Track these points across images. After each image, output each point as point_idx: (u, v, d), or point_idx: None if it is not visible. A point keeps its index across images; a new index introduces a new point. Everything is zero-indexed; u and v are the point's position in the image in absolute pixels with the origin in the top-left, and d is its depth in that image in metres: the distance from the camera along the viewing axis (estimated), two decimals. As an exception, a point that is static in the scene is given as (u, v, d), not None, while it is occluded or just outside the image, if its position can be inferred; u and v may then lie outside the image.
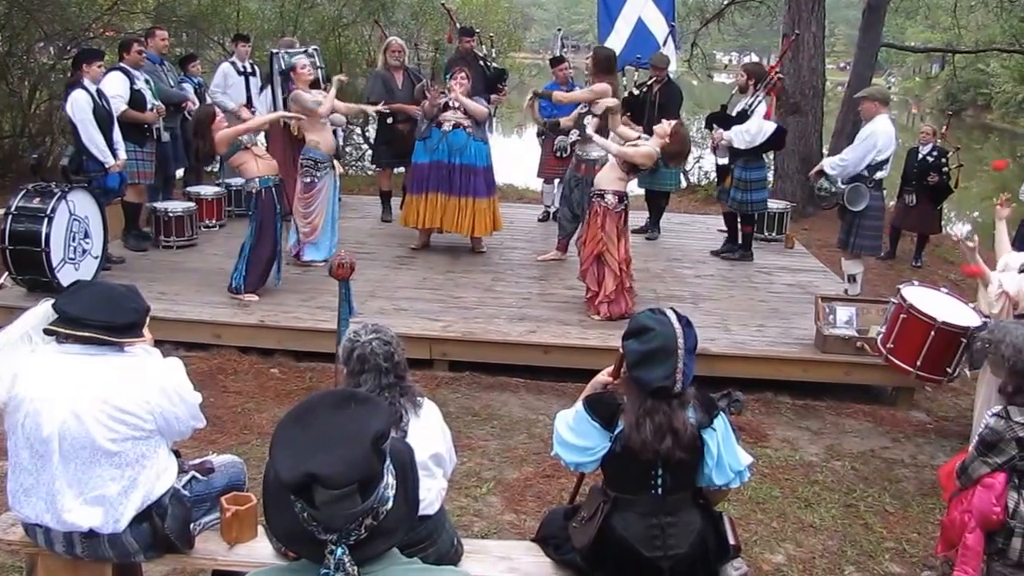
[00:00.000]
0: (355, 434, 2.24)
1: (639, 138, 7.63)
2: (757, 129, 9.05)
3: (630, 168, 7.44)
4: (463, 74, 9.02)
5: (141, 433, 3.26)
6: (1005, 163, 6.02)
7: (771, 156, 12.38)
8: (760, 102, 9.13)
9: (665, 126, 7.42)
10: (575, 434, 3.30)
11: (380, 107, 9.37)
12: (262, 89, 10.60)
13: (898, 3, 17.90)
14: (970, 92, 41.57)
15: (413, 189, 9.16)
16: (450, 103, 8.84)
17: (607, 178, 7.49)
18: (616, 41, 11.20)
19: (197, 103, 10.13)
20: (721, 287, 8.75)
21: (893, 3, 16.48)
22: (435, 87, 9.17)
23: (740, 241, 9.83)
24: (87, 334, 3.25)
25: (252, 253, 7.60)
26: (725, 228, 10.05)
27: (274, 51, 9.95)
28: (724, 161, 9.50)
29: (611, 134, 7.94)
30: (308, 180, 8.40)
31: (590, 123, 8.34)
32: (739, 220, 9.78)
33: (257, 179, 7.51)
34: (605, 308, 7.49)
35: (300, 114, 8.26)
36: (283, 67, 9.47)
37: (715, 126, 9.46)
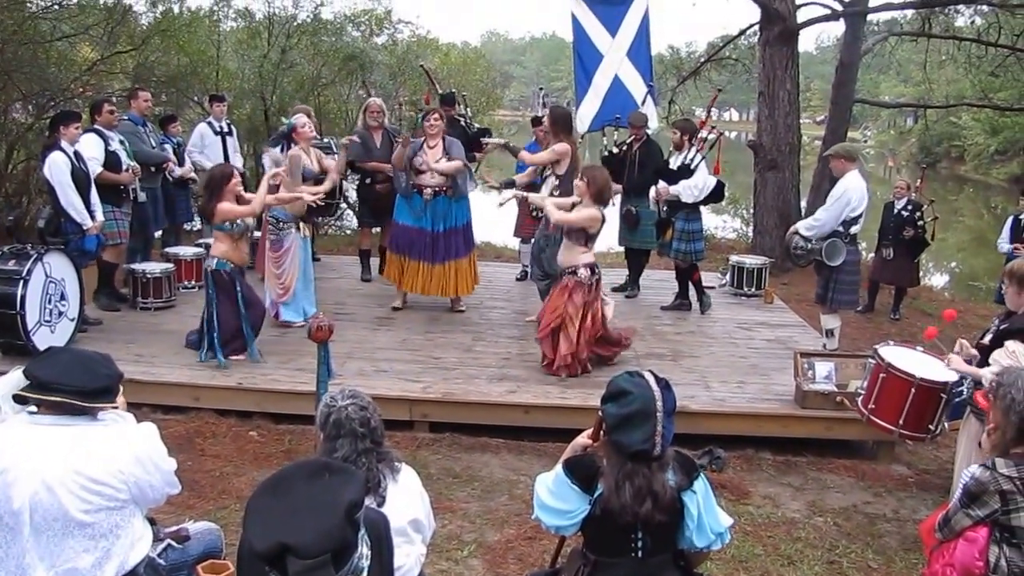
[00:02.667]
0: (329, 504, 2.23)
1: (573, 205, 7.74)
2: (703, 184, 9.33)
3: (586, 238, 7.51)
4: (436, 115, 9.07)
5: (115, 503, 3.22)
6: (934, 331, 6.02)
7: (752, 210, 12.44)
8: (701, 158, 9.39)
9: (579, 183, 7.55)
10: (555, 497, 3.28)
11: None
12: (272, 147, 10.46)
13: (870, 59, 18.19)
14: (943, 144, 42.28)
15: (394, 247, 9.20)
16: (423, 167, 8.87)
17: (570, 256, 7.56)
18: (593, 99, 11.31)
19: (177, 163, 10.19)
20: (701, 344, 8.77)
21: (866, 59, 16.75)
22: (404, 135, 9.18)
23: (698, 290, 10.01)
24: (58, 399, 3.21)
25: (219, 323, 7.52)
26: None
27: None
28: (662, 214, 9.71)
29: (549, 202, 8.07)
30: (273, 238, 8.43)
31: (548, 185, 8.57)
32: (684, 272, 9.96)
33: (215, 259, 7.51)
34: (564, 371, 7.53)
35: (288, 172, 8.28)
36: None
37: (659, 180, 9.60)
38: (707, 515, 3.24)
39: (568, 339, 7.45)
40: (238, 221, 7.49)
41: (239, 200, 7.52)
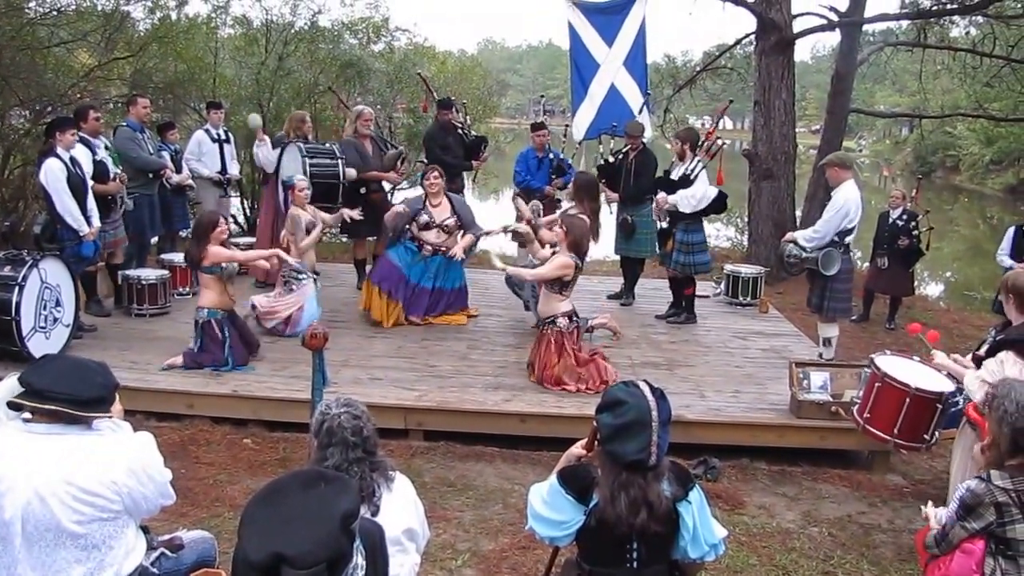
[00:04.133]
0: (323, 514, 2.24)
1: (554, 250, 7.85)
2: (702, 194, 9.27)
3: (560, 286, 7.54)
4: (435, 172, 9.13)
5: (108, 514, 3.20)
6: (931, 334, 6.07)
7: (747, 220, 12.43)
8: (701, 167, 9.33)
9: (558, 230, 7.63)
10: (549, 508, 3.27)
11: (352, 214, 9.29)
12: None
13: (866, 69, 18.25)
14: (938, 154, 42.40)
15: (375, 280, 9.23)
16: (431, 224, 8.98)
17: (548, 305, 7.63)
18: (589, 108, 11.34)
19: (174, 170, 10.18)
20: (696, 353, 8.77)
21: (861, 69, 16.80)
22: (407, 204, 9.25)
23: (683, 304, 9.97)
24: (52, 407, 3.20)
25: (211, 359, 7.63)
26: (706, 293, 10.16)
27: (284, 140, 10.06)
28: (664, 225, 9.70)
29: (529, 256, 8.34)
30: (287, 281, 8.62)
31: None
32: (680, 283, 9.93)
33: (206, 310, 7.57)
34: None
35: (292, 233, 8.45)
36: (306, 172, 9.52)
37: (659, 190, 9.60)
38: (702, 526, 3.24)
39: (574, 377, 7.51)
40: (225, 264, 7.57)
41: (224, 246, 7.65)
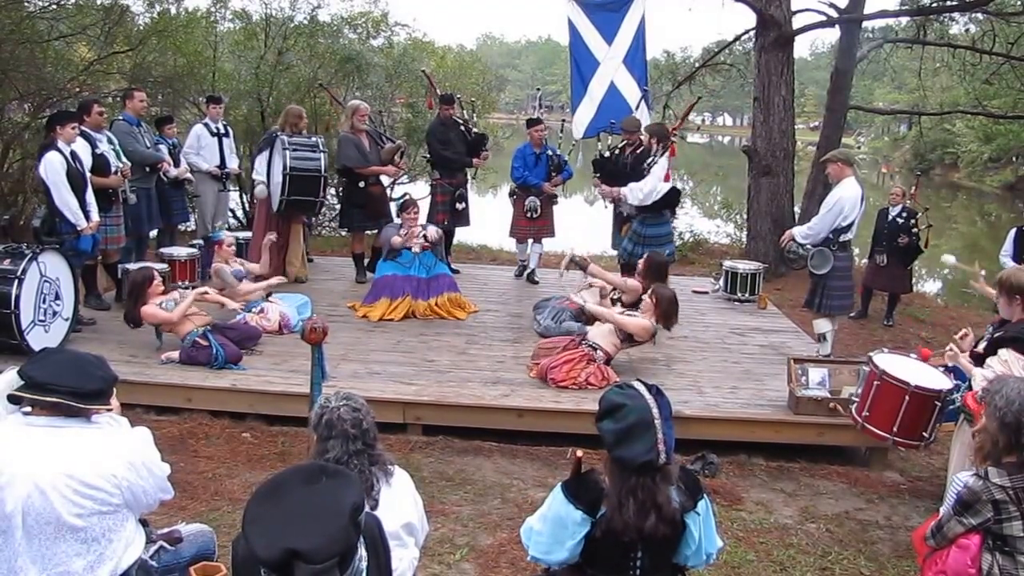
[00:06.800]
0: (332, 508, 2.25)
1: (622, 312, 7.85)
2: (651, 188, 9.33)
3: (626, 337, 7.58)
4: (415, 208, 9.56)
5: (108, 508, 3.21)
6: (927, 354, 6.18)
7: (746, 216, 12.37)
8: (657, 162, 9.38)
9: (647, 299, 7.65)
10: (552, 523, 3.21)
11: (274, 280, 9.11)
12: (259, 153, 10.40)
13: (865, 66, 18.24)
14: (937, 151, 42.40)
15: (374, 295, 9.46)
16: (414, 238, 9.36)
17: (604, 336, 7.65)
18: (589, 105, 11.32)
19: (172, 164, 10.17)
20: (694, 349, 8.78)
21: (861, 66, 16.78)
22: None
23: None
24: (53, 399, 3.21)
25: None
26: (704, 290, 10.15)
27: (275, 133, 10.06)
28: (628, 213, 9.83)
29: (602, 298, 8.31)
30: (254, 312, 8.66)
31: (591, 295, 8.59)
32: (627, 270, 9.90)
33: (187, 336, 7.59)
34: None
35: (221, 287, 8.46)
36: (286, 165, 9.62)
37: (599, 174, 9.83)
38: (706, 539, 3.23)
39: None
40: (172, 303, 7.63)
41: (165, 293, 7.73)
